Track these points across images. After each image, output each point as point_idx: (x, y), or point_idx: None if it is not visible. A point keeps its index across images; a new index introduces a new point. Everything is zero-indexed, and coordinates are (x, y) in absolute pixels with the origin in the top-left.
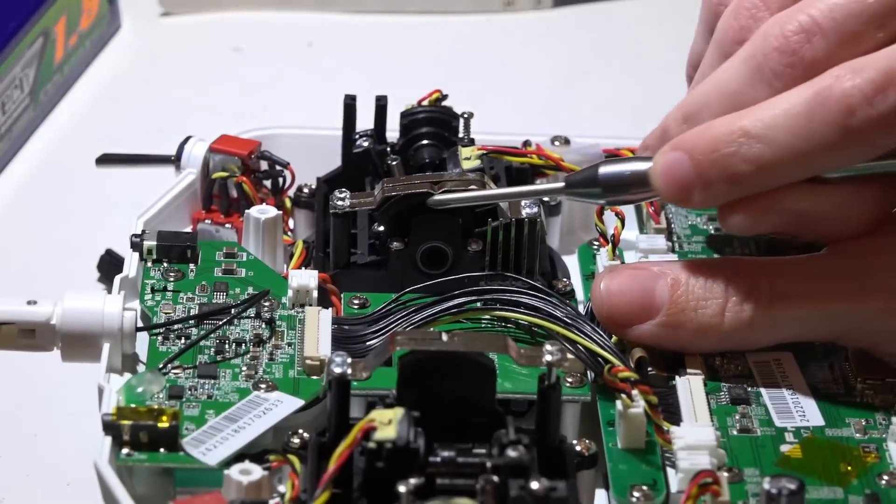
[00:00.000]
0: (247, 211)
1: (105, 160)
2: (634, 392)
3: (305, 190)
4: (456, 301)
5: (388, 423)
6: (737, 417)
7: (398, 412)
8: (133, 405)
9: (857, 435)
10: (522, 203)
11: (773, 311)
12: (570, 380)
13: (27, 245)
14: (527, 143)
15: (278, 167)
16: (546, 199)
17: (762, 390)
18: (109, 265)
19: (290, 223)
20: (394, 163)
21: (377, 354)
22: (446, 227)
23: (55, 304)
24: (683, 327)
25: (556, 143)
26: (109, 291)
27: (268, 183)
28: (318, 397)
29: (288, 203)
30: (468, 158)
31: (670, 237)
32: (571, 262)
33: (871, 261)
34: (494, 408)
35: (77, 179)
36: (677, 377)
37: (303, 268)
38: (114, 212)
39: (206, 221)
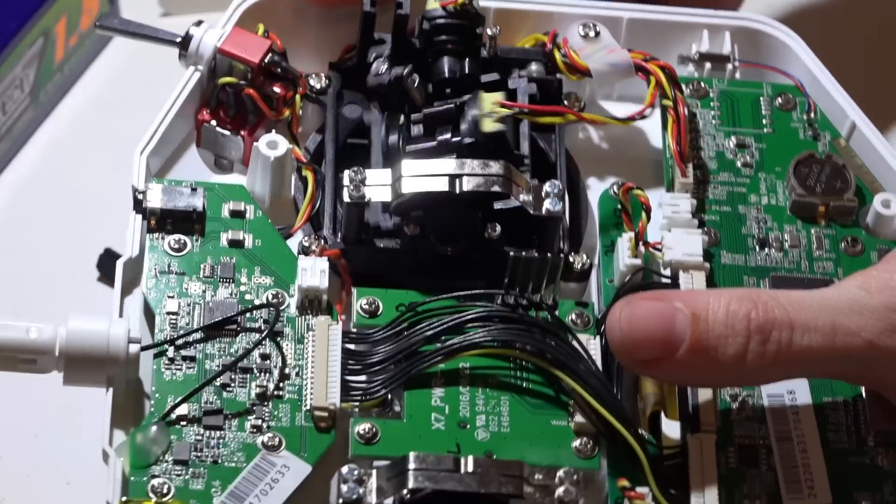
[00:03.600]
0: (255, 144)
1: (104, 27)
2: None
3: (314, 82)
4: (473, 339)
5: None
6: (745, 491)
7: None
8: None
9: None
10: (545, 191)
11: (794, 351)
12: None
13: (28, 244)
14: (555, 38)
15: (290, 75)
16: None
17: (773, 446)
18: (109, 264)
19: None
20: (414, 84)
21: (392, 482)
22: (464, 220)
23: (57, 332)
24: (704, 366)
25: (586, 31)
26: (112, 286)
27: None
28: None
29: (298, 101)
30: (489, 115)
31: (696, 191)
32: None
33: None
34: None
35: (77, 179)
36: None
37: (312, 248)
38: (113, 211)
39: (212, 123)
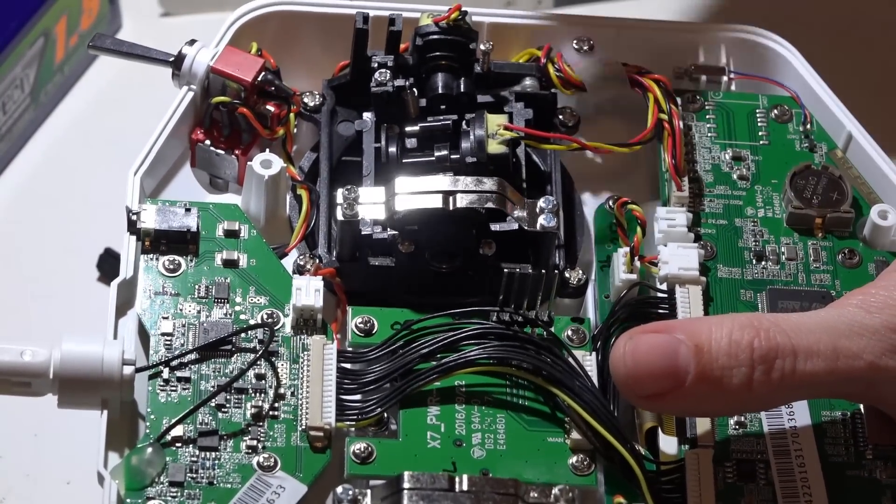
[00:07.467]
0: (249, 163)
1: (97, 47)
2: None
3: (308, 100)
4: (469, 356)
5: None
6: None
7: None
8: None
9: None
10: (539, 207)
11: (797, 377)
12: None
13: (27, 244)
14: (549, 52)
15: (283, 94)
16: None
17: (771, 460)
18: (109, 264)
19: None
20: (408, 98)
21: (386, 502)
22: (459, 237)
23: (51, 355)
24: (710, 397)
25: (580, 46)
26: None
27: (271, 107)
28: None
29: (293, 119)
30: (493, 136)
31: (692, 204)
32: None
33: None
34: None
35: (77, 179)
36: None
37: (307, 267)
38: (113, 211)
39: (206, 143)
